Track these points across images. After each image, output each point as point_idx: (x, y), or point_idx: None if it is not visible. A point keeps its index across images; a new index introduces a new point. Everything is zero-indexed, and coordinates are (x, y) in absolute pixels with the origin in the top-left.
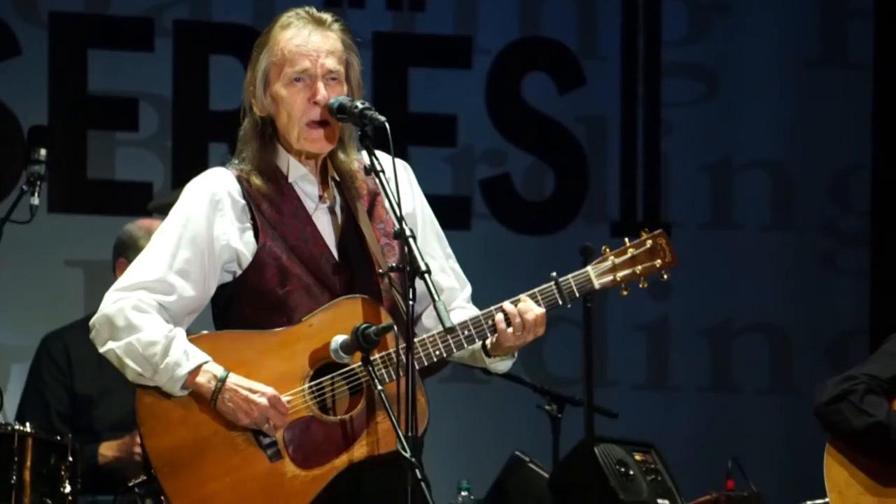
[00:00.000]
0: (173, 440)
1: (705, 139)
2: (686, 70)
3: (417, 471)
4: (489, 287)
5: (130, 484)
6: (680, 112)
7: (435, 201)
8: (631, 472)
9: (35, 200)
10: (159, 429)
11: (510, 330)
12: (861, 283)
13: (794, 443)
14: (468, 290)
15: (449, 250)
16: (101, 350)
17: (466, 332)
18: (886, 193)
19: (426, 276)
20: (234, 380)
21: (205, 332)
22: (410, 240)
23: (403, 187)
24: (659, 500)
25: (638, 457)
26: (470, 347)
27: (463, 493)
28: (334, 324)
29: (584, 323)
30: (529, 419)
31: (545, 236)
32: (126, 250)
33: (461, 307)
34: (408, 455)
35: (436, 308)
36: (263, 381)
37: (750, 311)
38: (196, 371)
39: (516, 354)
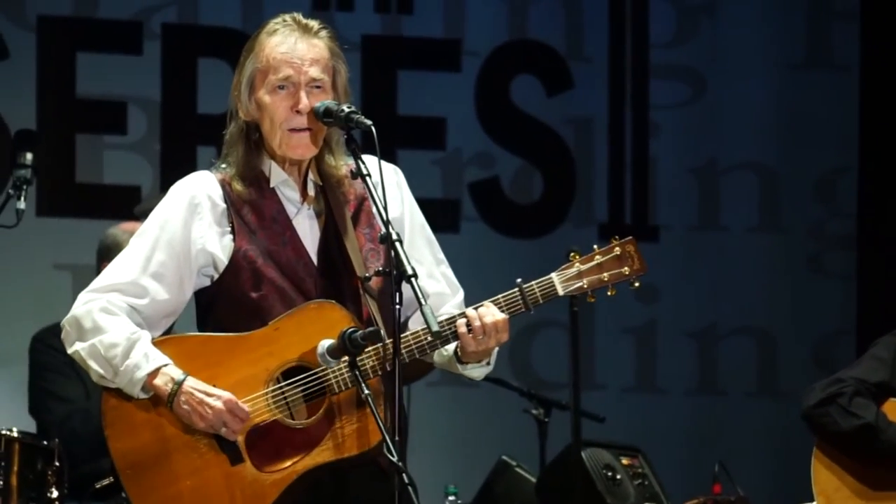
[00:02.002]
0: (137, 442)
1: (693, 141)
2: (673, 72)
3: (405, 475)
4: (478, 290)
5: (98, 485)
6: (667, 114)
7: (424, 204)
8: (618, 477)
9: (21, 204)
10: (123, 431)
11: (471, 335)
12: (848, 285)
13: (782, 445)
14: (460, 295)
15: (441, 256)
16: (69, 351)
17: (429, 338)
18: (873, 195)
19: (413, 279)
20: (190, 383)
21: (171, 335)
22: (397, 244)
23: (392, 191)
24: None
25: (625, 461)
26: (446, 354)
27: (450, 498)
28: (300, 328)
29: (571, 327)
30: (516, 423)
31: (534, 239)
32: (110, 254)
33: (450, 314)
34: (394, 459)
35: (422, 312)
36: (227, 384)
37: (737, 314)
38: (155, 373)
39: (492, 363)
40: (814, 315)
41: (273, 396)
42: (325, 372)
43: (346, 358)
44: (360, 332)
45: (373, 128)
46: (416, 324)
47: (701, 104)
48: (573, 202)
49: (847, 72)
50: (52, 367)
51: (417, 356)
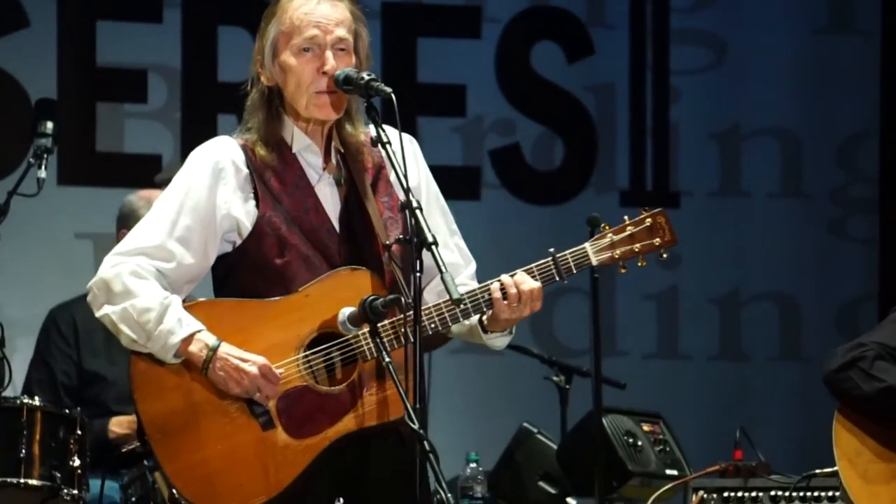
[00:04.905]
0: (166, 406)
1: (714, 107)
2: (694, 37)
3: (426, 442)
4: (498, 257)
5: (124, 450)
6: (688, 80)
7: (444, 172)
8: (639, 443)
9: (42, 173)
10: (153, 395)
11: (505, 301)
12: (870, 250)
13: (804, 411)
14: (473, 266)
15: (454, 227)
16: (98, 314)
17: (462, 306)
18: (895, 160)
19: (433, 247)
20: (225, 349)
21: (201, 298)
22: (417, 211)
23: (409, 161)
24: (667, 471)
25: (646, 427)
26: (467, 323)
27: (471, 465)
28: (331, 294)
29: (592, 293)
30: (537, 390)
31: (555, 206)
32: (128, 221)
33: (464, 284)
34: (416, 426)
35: (443, 280)
36: (258, 349)
37: (759, 279)
38: (189, 339)
39: (514, 331)
40: (836, 280)
41: (304, 362)
42: (357, 338)
43: (367, 325)
44: (381, 299)
45: (393, 95)
46: (430, 293)
47: (722, 69)
48: (594, 169)
49: (869, 36)
50: (42, 353)
51: (450, 324)
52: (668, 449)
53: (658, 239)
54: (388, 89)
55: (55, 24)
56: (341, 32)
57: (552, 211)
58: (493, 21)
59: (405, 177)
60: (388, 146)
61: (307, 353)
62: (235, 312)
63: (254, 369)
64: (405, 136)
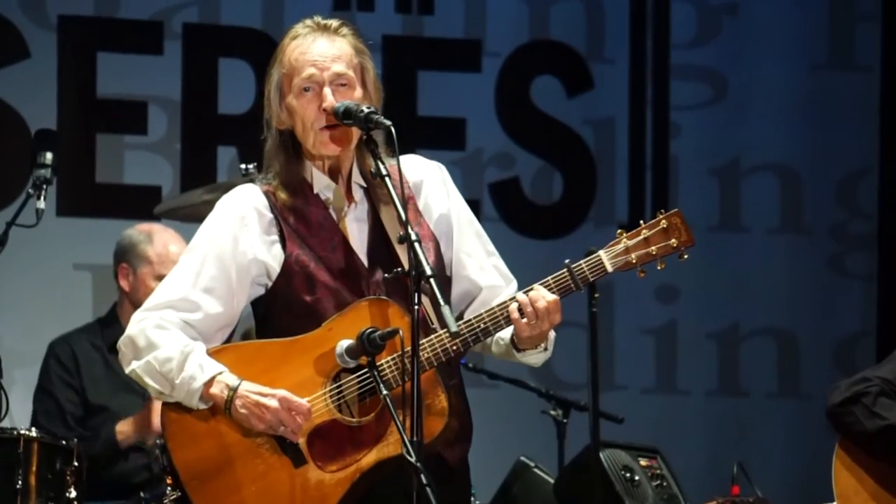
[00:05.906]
0: (200, 452)
1: (714, 142)
2: (694, 73)
3: (423, 475)
4: None
5: (166, 502)
6: (688, 115)
7: None
8: (636, 478)
9: (41, 204)
10: (185, 443)
11: (524, 320)
12: (869, 287)
13: (802, 447)
14: (514, 285)
15: (491, 248)
16: (127, 371)
17: (482, 325)
18: (894, 196)
19: (431, 280)
20: (245, 387)
21: (227, 344)
22: (416, 244)
23: (437, 188)
24: None
25: (643, 462)
26: (503, 343)
27: None
28: (354, 326)
29: (590, 327)
30: (535, 424)
31: (554, 240)
32: (126, 255)
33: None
34: (412, 459)
35: (441, 312)
36: (286, 386)
37: (758, 315)
38: (210, 382)
39: (549, 348)
40: (835, 316)
41: (331, 396)
42: (381, 368)
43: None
44: (379, 332)
45: (392, 128)
46: (471, 313)
47: (722, 105)
48: (593, 203)
49: (869, 73)
50: (46, 385)
51: (471, 345)
52: (665, 484)
53: (675, 240)
54: (388, 122)
55: (55, 56)
56: (339, 68)
57: (551, 245)
58: (493, 55)
59: (403, 209)
60: (386, 178)
61: (333, 386)
62: (261, 354)
63: (274, 402)
64: (433, 163)
